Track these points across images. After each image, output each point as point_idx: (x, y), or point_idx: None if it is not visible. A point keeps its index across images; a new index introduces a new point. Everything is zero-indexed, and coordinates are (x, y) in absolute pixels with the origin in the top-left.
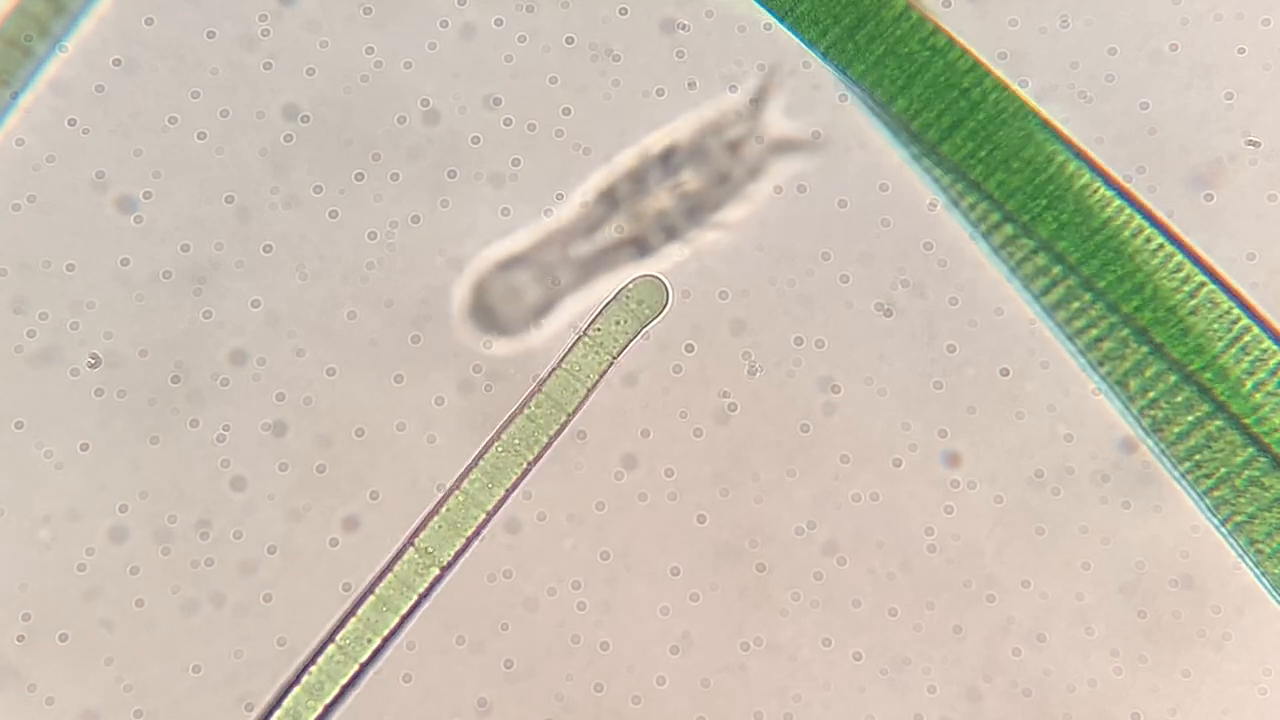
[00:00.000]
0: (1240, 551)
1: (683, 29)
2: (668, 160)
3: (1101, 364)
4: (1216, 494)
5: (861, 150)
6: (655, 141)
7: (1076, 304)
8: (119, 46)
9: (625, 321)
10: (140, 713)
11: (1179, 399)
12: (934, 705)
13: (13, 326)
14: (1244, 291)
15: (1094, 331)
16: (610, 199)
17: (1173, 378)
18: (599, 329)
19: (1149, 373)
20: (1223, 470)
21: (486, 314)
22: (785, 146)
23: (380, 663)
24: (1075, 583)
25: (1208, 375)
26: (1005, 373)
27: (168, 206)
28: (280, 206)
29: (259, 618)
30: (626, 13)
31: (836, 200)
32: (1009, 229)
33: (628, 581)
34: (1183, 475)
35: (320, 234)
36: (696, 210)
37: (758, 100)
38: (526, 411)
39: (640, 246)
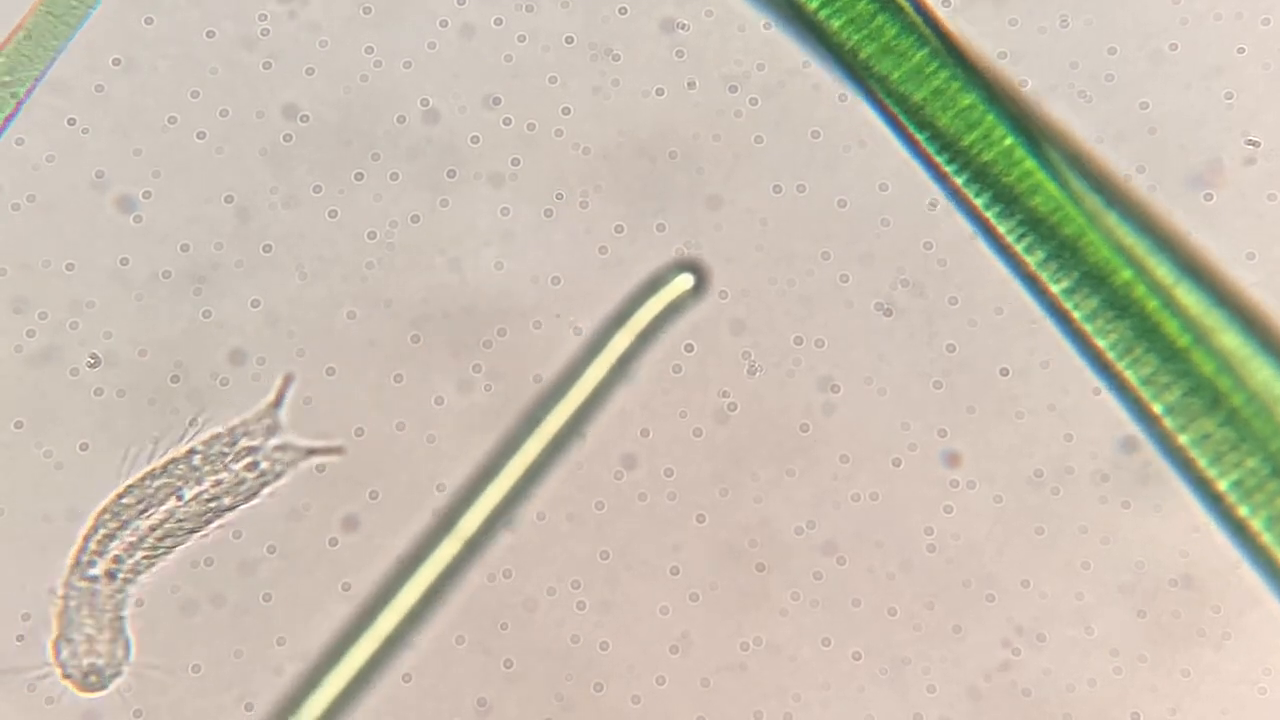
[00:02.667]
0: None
1: (683, 29)
2: (178, 466)
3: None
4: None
5: (861, 150)
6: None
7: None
8: (119, 46)
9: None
10: (140, 712)
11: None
12: (934, 705)
13: (13, 326)
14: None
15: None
16: (114, 513)
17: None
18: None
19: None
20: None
21: (94, 675)
22: (305, 453)
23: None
24: (1075, 583)
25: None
26: (1005, 373)
27: (168, 206)
28: (280, 206)
29: (259, 618)
30: (626, 13)
31: (836, 200)
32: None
33: (628, 581)
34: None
35: (320, 234)
36: (207, 510)
37: (278, 403)
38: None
39: (157, 548)
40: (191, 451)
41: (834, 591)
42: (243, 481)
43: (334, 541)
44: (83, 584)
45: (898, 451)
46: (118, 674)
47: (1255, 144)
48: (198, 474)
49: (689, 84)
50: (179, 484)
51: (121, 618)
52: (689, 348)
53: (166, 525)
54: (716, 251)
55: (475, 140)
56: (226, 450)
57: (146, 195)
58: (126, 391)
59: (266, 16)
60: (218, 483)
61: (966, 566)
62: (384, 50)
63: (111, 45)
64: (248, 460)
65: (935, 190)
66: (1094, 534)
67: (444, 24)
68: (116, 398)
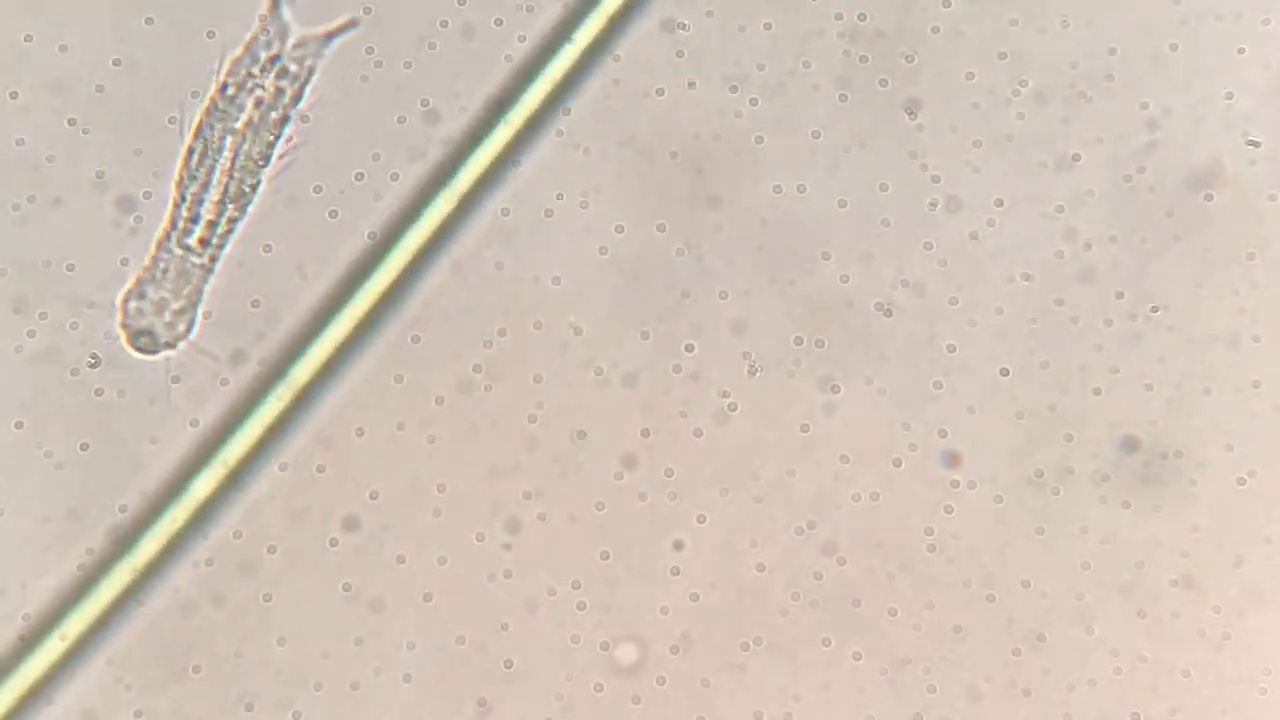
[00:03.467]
0: None
1: (683, 29)
2: (218, 107)
3: None
4: None
5: (861, 150)
6: (198, 105)
7: None
8: (119, 47)
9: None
10: (140, 712)
11: None
12: (934, 705)
13: (13, 326)
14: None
15: None
16: (191, 176)
17: None
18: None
19: None
20: None
21: (145, 336)
22: (325, 39)
23: (379, 661)
24: (1075, 583)
25: None
26: (1005, 373)
27: (167, 206)
28: (280, 206)
29: (259, 618)
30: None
31: (836, 200)
32: None
33: (628, 581)
34: None
35: (320, 234)
36: (266, 132)
37: (276, 4)
38: None
39: (240, 199)
40: (223, 86)
41: (834, 592)
42: (281, 92)
43: (334, 541)
44: (178, 250)
45: (898, 451)
46: (170, 346)
47: (1255, 144)
48: (239, 103)
49: (689, 84)
50: (229, 122)
51: (200, 293)
52: (689, 348)
53: (239, 164)
54: (717, 251)
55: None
56: (253, 71)
57: (147, 195)
58: (126, 391)
59: (266, 17)
60: (259, 102)
61: (966, 566)
62: (384, 50)
63: (111, 45)
64: (276, 69)
65: (935, 190)
66: (1094, 534)
67: (444, 24)
68: (117, 398)
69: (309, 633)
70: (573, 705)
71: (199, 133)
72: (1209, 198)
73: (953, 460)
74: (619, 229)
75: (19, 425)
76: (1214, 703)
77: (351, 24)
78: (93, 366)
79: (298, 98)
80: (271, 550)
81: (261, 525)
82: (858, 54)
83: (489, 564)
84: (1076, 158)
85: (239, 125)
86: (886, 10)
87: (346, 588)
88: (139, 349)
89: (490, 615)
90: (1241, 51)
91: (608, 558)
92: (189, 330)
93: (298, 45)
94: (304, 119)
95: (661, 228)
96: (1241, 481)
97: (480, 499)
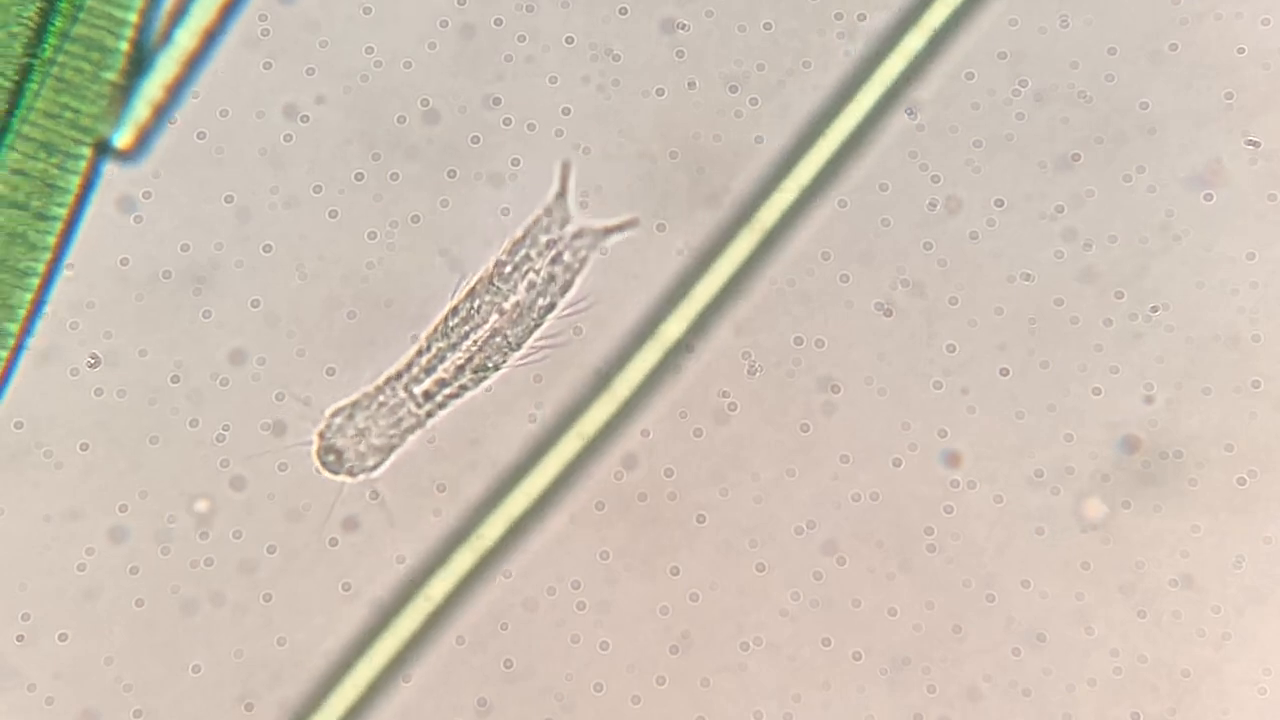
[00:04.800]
0: None
1: (683, 29)
2: (492, 282)
3: None
4: None
5: (861, 150)
6: (477, 270)
7: None
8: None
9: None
10: (140, 712)
11: None
12: (934, 705)
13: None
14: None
15: None
16: (444, 333)
17: None
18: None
19: None
20: None
21: (334, 455)
22: (603, 233)
23: (384, 658)
24: (1075, 583)
25: None
26: (1005, 373)
27: (168, 206)
28: (280, 206)
29: (259, 618)
30: (626, 13)
31: (837, 200)
32: None
33: (628, 581)
34: None
35: (320, 234)
36: (530, 317)
37: (563, 192)
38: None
39: (479, 372)
40: (500, 264)
41: (834, 592)
42: (553, 278)
43: (334, 541)
44: (402, 393)
45: (898, 451)
46: (352, 474)
47: (1255, 144)
48: (511, 283)
49: (689, 84)
50: (498, 299)
51: (401, 441)
52: (689, 348)
53: (493, 341)
54: (716, 251)
55: (475, 140)
56: (530, 253)
57: (147, 195)
58: (126, 391)
59: (266, 17)
60: (531, 286)
61: (966, 566)
62: (384, 50)
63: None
64: (552, 254)
65: (935, 190)
66: (1094, 534)
67: (444, 24)
68: (117, 397)
69: (309, 633)
70: (573, 705)
71: (469, 297)
72: (1209, 198)
73: (953, 460)
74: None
75: (19, 425)
76: (1214, 703)
77: (632, 223)
78: (93, 367)
79: (567, 287)
80: (271, 550)
81: (262, 525)
82: (858, 54)
83: (489, 564)
84: (1076, 158)
85: (508, 305)
86: (886, 10)
87: (346, 588)
88: (323, 463)
89: (490, 615)
90: (1241, 51)
91: (607, 558)
92: (375, 469)
93: (576, 235)
94: (569, 314)
95: (661, 228)
96: (1241, 481)
97: (480, 499)
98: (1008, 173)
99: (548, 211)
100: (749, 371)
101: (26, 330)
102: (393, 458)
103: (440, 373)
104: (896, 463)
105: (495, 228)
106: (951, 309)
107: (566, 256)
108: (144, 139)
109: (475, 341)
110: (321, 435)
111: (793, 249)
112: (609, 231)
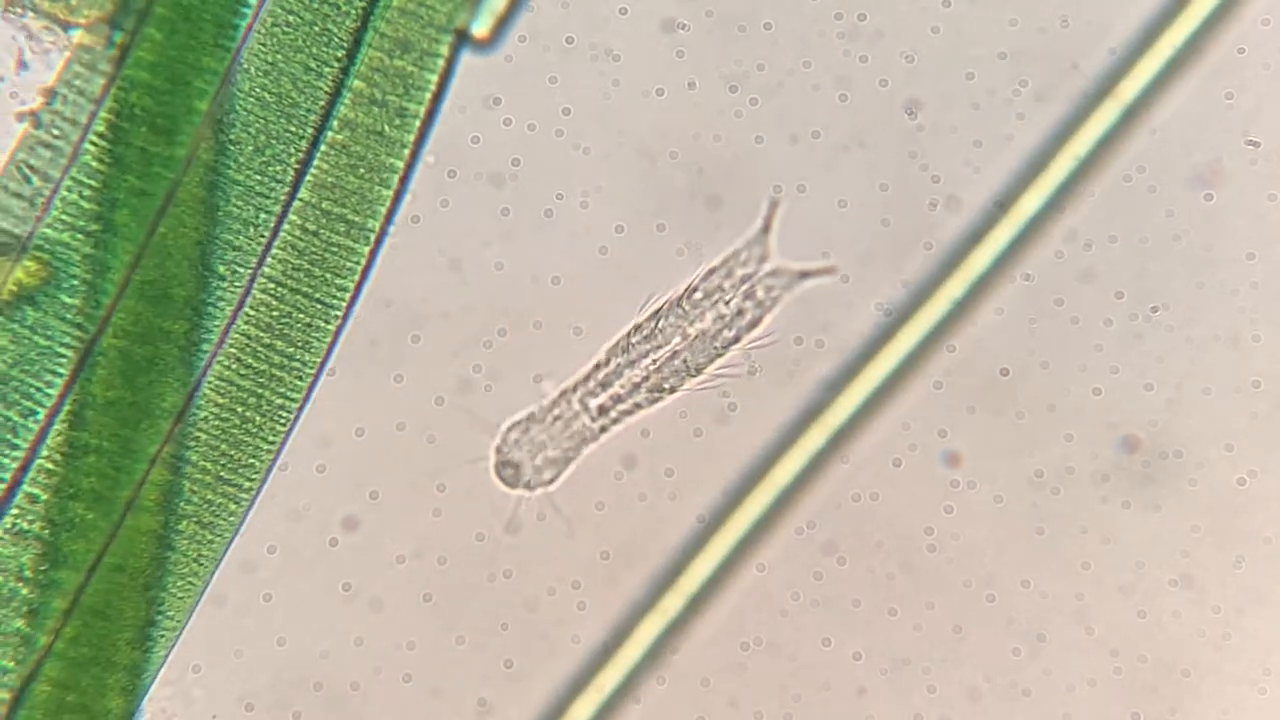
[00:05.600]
0: None
1: (683, 29)
2: (680, 305)
3: None
4: None
5: (861, 150)
6: (667, 292)
7: None
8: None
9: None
10: (141, 712)
11: None
12: (934, 705)
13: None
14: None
15: None
16: (624, 349)
17: None
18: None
19: None
20: None
21: (510, 469)
22: (799, 276)
23: (379, 661)
24: (1075, 583)
25: None
26: (1005, 373)
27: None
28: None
29: (259, 618)
30: (626, 13)
31: (836, 200)
32: None
33: (628, 581)
34: None
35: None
36: (712, 348)
37: (767, 229)
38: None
39: (655, 392)
40: (691, 289)
41: (834, 591)
42: (742, 312)
43: (334, 541)
44: (576, 405)
45: (898, 452)
46: (529, 489)
47: (1255, 144)
48: (699, 310)
49: (689, 84)
50: (683, 323)
51: (578, 452)
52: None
53: (673, 364)
54: (717, 251)
55: (475, 140)
56: (724, 284)
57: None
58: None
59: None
60: (719, 317)
61: (966, 566)
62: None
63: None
64: (744, 288)
65: (935, 190)
66: (1094, 534)
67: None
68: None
69: (309, 633)
70: (573, 705)
71: (655, 317)
72: (1209, 198)
73: (953, 460)
74: (619, 229)
75: None
76: (1214, 703)
77: (830, 271)
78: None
79: (755, 323)
80: (271, 550)
81: (262, 525)
82: (858, 54)
83: (489, 564)
84: (1079, 157)
85: (693, 331)
86: (887, 10)
87: (346, 588)
88: (501, 477)
89: (490, 615)
90: (1241, 51)
91: (608, 558)
92: (552, 482)
93: (772, 274)
94: (748, 355)
95: (661, 228)
96: (1241, 481)
97: (480, 499)
98: (1008, 173)
99: (748, 245)
100: (749, 371)
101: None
102: (569, 470)
103: (616, 388)
104: (896, 463)
105: (495, 228)
106: (951, 308)
107: (759, 293)
108: (501, 28)
109: (655, 361)
110: (499, 449)
111: (793, 249)
112: (805, 275)
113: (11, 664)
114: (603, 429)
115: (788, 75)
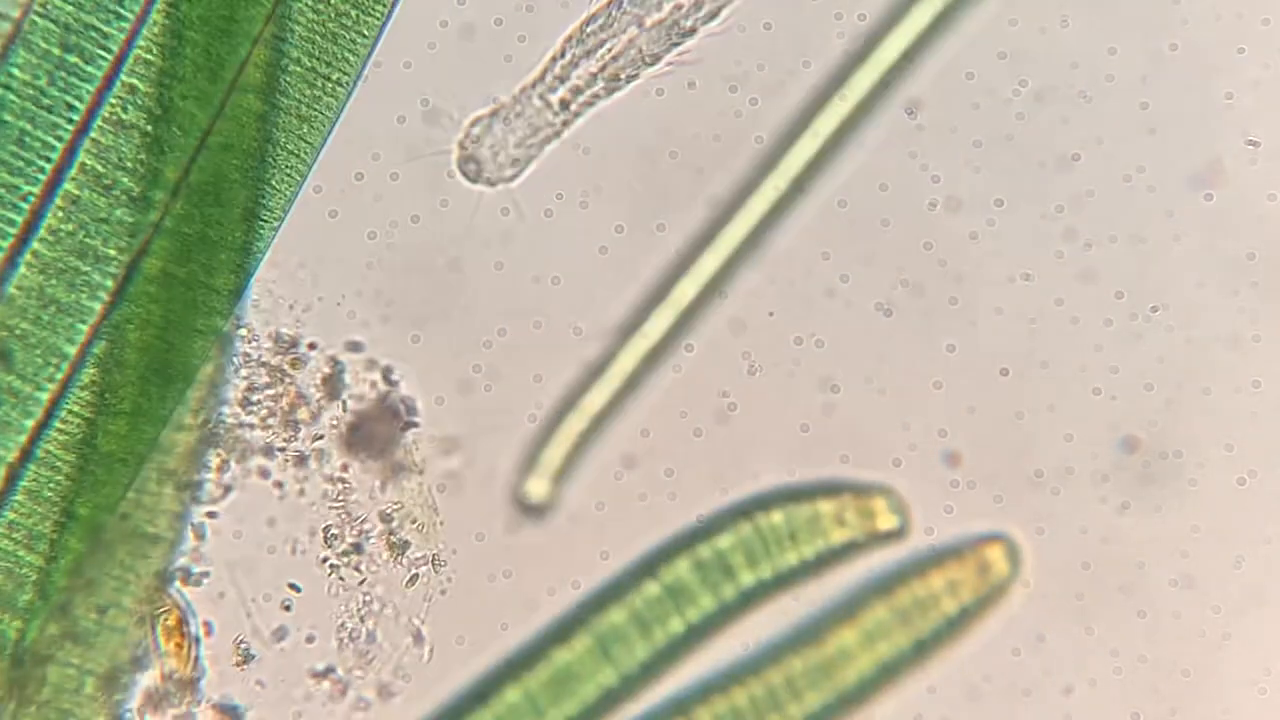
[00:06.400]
0: None
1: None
2: None
3: None
4: None
5: (861, 150)
6: None
7: None
8: None
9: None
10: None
11: None
12: (934, 705)
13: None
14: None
15: None
16: (579, 40)
17: None
18: None
19: None
20: None
21: (473, 164)
22: None
23: (378, 661)
24: (1075, 583)
25: None
26: (1005, 373)
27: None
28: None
29: (259, 618)
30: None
31: (836, 200)
32: None
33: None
34: None
35: (320, 234)
36: (669, 37)
37: None
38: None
39: (613, 82)
40: None
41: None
42: (700, 4)
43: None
44: (538, 101)
45: (898, 452)
46: (490, 184)
47: (1255, 144)
48: (657, 0)
49: (689, 84)
50: (640, 11)
51: (540, 149)
52: (689, 348)
53: (629, 53)
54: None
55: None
56: None
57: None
58: None
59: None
60: (677, 7)
61: None
62: (384, 50)
63: None
64: None
65: (935, 190)
66: (1094, 534)
67: (444, 24)
68: None
69: (310, 631)
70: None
71: (609, 6)
72: (1209, 198)
73: (953, 460)
74: (619, 229)
75: None
76: (1214, 703)
77: None
78: None
79: (712, 15)
80: (271, 550)
81: (262, 525)
82: (858, 54)
83: (489, 564)
84: (1076, 158)
85: (649, 20)
86: (886, 10)
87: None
88: (463, 172)
89: (490, 615)
90: (1241, 51)
91: (608, 557)
92: (513, 178)
93: None
94: (709, 37)
95: (661, 228)
96: (1241, 481)
97: (480, 499)
98: (1008, 173)
99: None
100: (749, 371)
101: None
102: (529, 168)
103: (575, 80)
104: (896, 463)
105: (494, 228)
106: (951, 309)
107: None
108: None
109: (610, 50)
110: (461, 144)
111: (793, 249)
112: None
113: (114, 251)
114: (564, 124)
115: (788, 75)
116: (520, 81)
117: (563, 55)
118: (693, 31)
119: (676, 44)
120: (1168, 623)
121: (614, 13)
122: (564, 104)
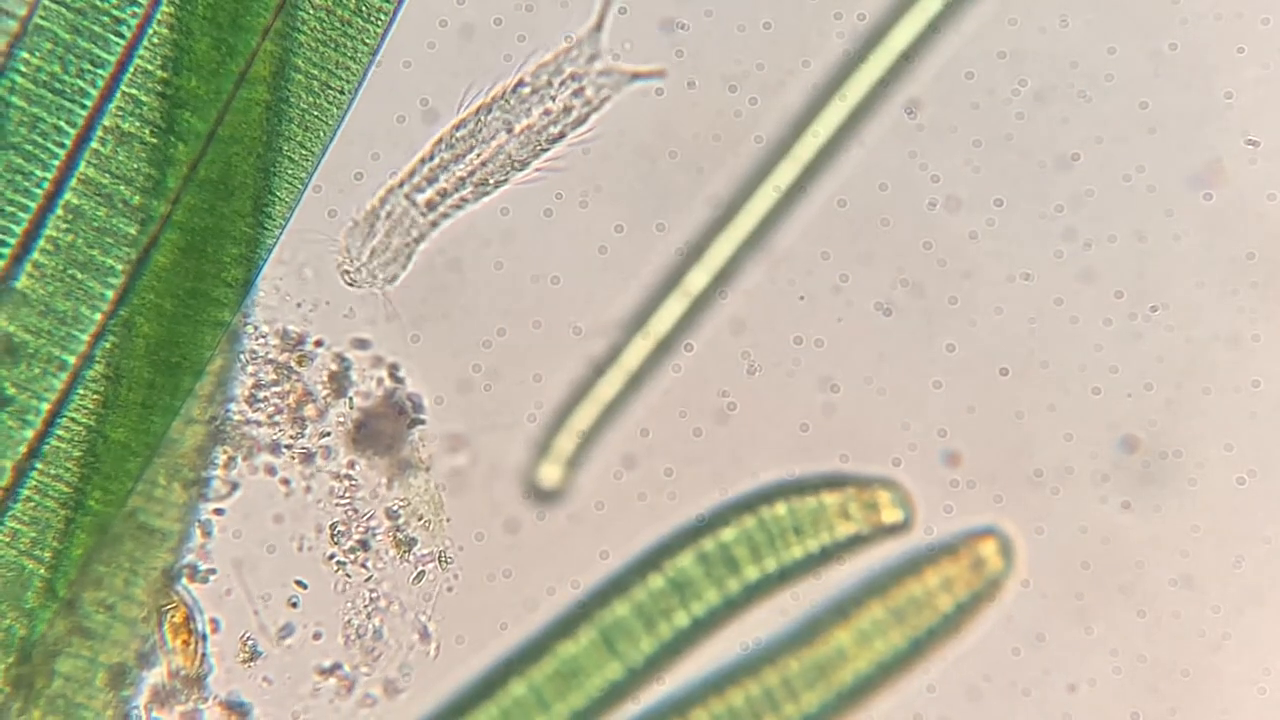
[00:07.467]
0: None
1: (683, 29)
2: (506, 99)
3: None
4: None
5: (861, 150)
6: (496, 85)
7: None
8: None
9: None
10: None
11: None
12: (934, 705)
13: None
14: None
15: None
16: (449, 144)
17: None
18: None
19: None
20: None
21: (351, 280)
22: (629, 77)
23: (379, 661)
24: (1075, 583)
25: None
26: (1005, 373)
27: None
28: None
29: (259, 617)
30: (626, 12)
31: (836, 200)
32: None
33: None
34: None
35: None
36: (538, 143)
37: (599, 27)
38: None
39: (481, 187)
40: (520, 83)
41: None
42: (568, 111)
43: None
44: (404, 201)
45: (898, 452)
46: (362, 286)
47: (1255, 144)
48: (526, 106)
49: (689, 84)
50: (509, 117)
51: (412, 249)
52: (689, 347)
53: (498, 159)
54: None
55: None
56: (552, 80)
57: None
58: None
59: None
60: (546, 113)
61: None
62: (384, 50)
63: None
64: (574, 87)
65: (935, 190)
66: (1094, 534)
67: (444, 24)
68: None
69: (317, 628)
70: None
71: (479, 112)
72: (1209, 197)
73: (953, 460)
74: (619, 229)
75: None
76: (1214, 703)
77: (659, 74)
78: None
79: (581, 122)
80: (271, 550)
81: (262, 525)
82: (858, 54)
83: (489, 564)
84: (1076, 157)
85: (518, 126)
86: (886, 10)
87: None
88: (347, 284)
89: (490, 615)
90: (1241, 51)
91: (608, 557)
92: (392, 281)
93: (602, 73)
94: (580, 147)
95: (661, 228)
96: (1241, 481)
97: (480, 499)
98: (1008, 173)
99: (578, 44)
100: (749, 371)
101: None
102: (408, 266)
103: (442, 182)
104: (896, 463)
105: (494, 228)
106: (951, 309)
107: (589, 91)
108: None
109: (479, 156)
110: (338, 264)
111: (793, 249)
112: (635, 76)
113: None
114: (432, 224)
115: (788, 75)
116: (386, 183)
117: (431, 157)
118: (562, 137)
119: (545, 150)
120: (1167, 622)
121: (484, 118)
122: (430, 205)
